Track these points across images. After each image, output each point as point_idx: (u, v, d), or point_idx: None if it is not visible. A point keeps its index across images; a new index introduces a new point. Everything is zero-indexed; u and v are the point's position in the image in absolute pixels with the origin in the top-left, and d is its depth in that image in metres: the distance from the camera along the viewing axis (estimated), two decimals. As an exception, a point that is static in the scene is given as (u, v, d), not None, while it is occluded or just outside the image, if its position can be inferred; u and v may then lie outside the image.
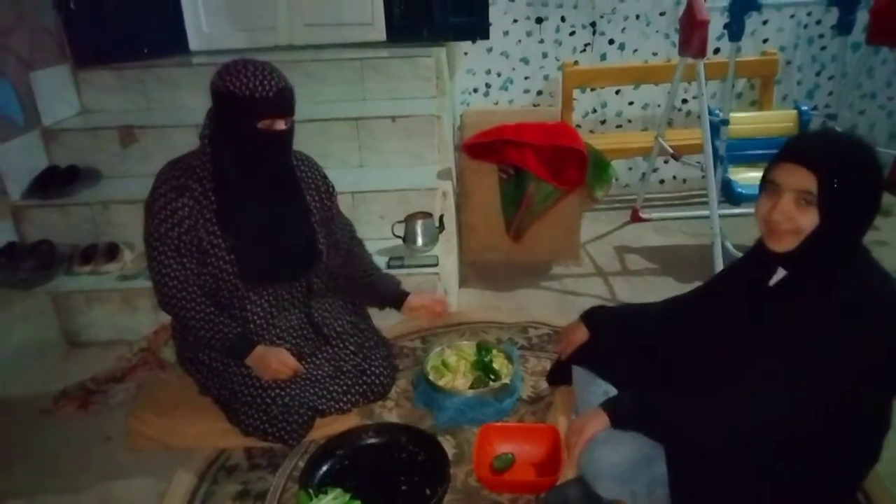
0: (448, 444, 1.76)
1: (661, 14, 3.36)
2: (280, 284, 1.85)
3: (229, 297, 1.80)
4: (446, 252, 2.54)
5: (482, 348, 2.06)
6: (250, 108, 1.63)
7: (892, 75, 3.54)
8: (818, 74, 3.52)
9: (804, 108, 2.72)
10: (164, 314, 2.30)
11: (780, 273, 1.30)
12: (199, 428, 1.84)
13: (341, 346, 1.93)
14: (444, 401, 1.86)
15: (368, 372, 1.91)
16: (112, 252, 2.44)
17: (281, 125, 1.69)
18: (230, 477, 1.73)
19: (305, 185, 1.91)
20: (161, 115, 2.90)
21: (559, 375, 1.87)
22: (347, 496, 1.54)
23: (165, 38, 3.13)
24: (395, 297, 2.02)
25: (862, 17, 2.60)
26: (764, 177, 1.25)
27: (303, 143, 2.64)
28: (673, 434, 1.30)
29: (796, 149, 1.21)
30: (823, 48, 3.46)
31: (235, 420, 1.79)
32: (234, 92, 1.61)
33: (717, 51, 3.33)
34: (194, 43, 3.23)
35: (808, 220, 1.18)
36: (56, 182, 2.58)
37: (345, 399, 1.85)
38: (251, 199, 1.77)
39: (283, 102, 1.67)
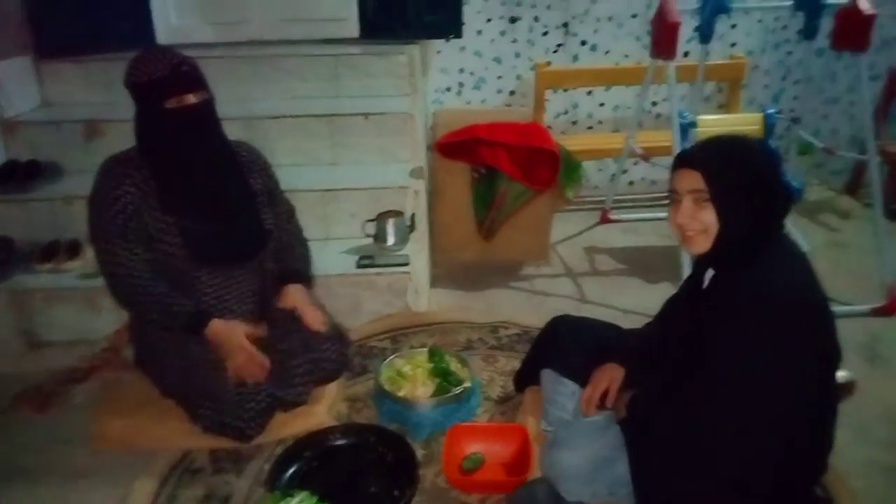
0: (417, 445, 1.75)
1: (633, 16, 3.39)
2: (232, 265, 1.83)
3: (180, 279, 1.77)
4: (417, 251, 2.53)
5: (434, 354, 2.00)
6: (153, 91, 1.68)
7: (853, 80, 3.62)
8: (784, 78, 3.59)
9: (769, 111, 2.77)
10: (127, 313, 2.27)
11: (710, 272, 1.36)
12: (164, 429, 1.81)
13: (287, 326, 1.88)
14: (418, 418, 1.81)
15: (316, 348, 1.86)
16: (74, 249, 2.38)
17: (191, 99, 1.69)
18: (194, 479, 1.70)
19: (248, 169, 1.90)
20: (126, 109, 2.78)
21: (524, 379, 1.89)
22: (315, 499, 1.52)
23: (132, 30, 3.04)
24: (282, 279, 1.90)
25: (826, 22, 2.65)
26: (668, 189, 1.33)
27: (275, 139, 2.64)
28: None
29: (683, 155, 1.31)
30: (790, 53, 3.53)
31: (194, 416, 1.76)
32: (136, 82, 1.70)
33: (686, 54, 3.37)
34: (162, 36, 3.15)
35: (709, 215, 1.25)
36: (15, 177, 2.50)
37: (297, 380, 1.82)
38: (188, 178, 1.76)
39: (180, 77, 1.69)
